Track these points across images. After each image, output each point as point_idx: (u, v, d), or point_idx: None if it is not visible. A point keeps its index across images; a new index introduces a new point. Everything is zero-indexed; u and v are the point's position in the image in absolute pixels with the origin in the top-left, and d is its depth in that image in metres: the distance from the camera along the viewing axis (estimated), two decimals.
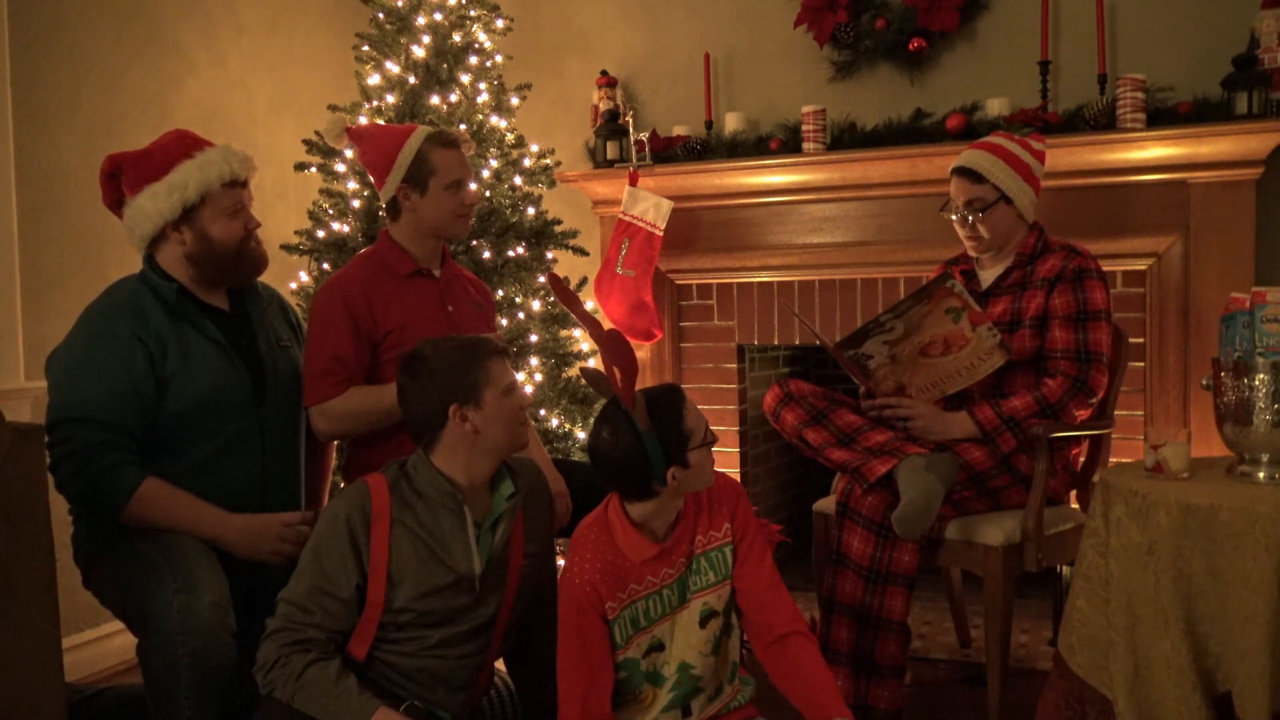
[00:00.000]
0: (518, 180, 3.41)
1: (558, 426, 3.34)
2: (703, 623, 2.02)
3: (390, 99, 3.31)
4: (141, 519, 2.10)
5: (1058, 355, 2.57)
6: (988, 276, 2.73)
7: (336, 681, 1.84)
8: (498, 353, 1.99)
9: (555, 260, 3.45)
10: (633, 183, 3.63)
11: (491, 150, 3.36)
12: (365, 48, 3.39)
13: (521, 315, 3.31)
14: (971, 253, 2.72)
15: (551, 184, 3.52)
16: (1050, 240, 2.69)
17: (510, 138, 3.42)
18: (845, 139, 3.48)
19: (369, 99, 3.34)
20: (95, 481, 2.08)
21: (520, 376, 3.22)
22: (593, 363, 3.63)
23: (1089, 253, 2.64)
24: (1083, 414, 2.57)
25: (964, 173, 2.65)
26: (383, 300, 2.41)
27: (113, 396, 2.11)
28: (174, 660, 1.91)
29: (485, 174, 3.32)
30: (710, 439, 1.96)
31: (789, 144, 3.55)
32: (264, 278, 2.52)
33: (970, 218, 2.63)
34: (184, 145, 2.27)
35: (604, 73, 3.91)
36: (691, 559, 2.02)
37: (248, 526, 2.16)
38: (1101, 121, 3.13)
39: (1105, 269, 2.67)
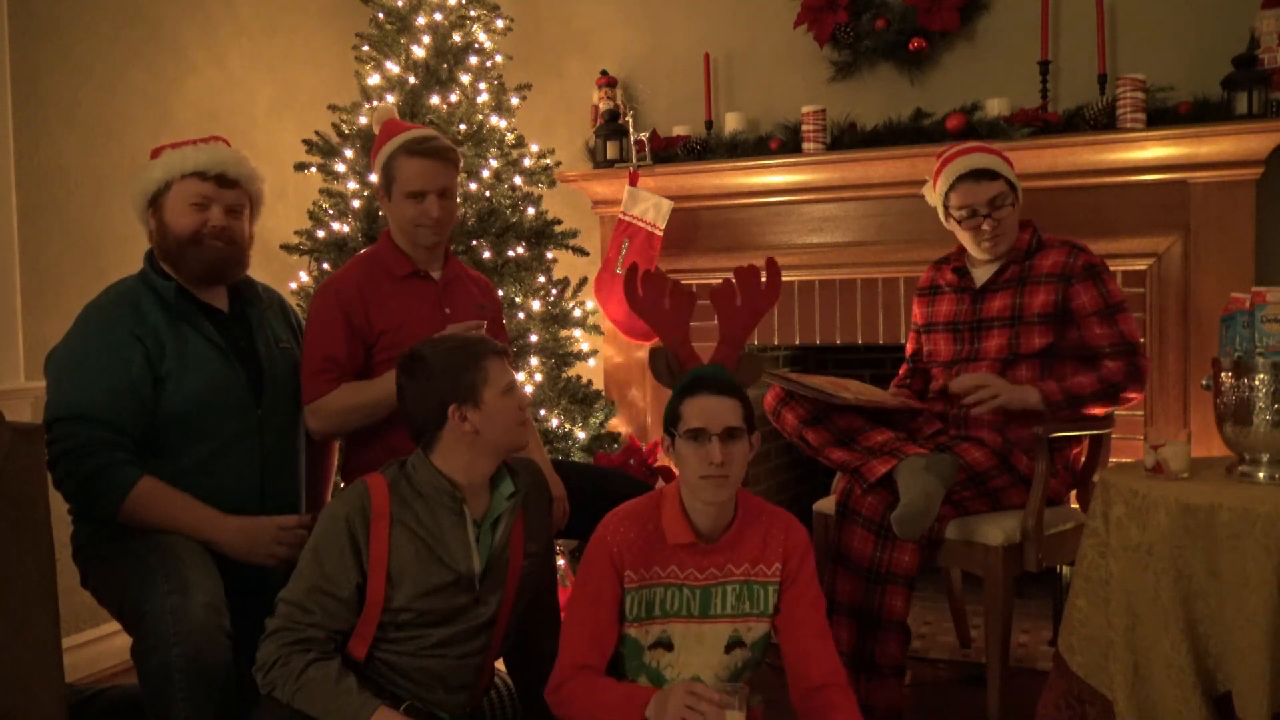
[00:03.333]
0: (518, 180, 3.41)
1: (558, 426, 3.34)
2: (728, 649, 2.02)
3: (390, 99, 3.30)
4: (137, 518, 2.10)
5: (1106, 350, 2.58)
6: (981, 274, 2.73)
7: (336, 681, 1.84)
8: (496, 353, 1.99)
9: (555, 260, 3.45)
10: (633, 183, 3.63)
11: (491, 150, 3.35)
12: (365, 48, 3.38)
13: (521, 315, 3.31)
14: (986, 255, 2.70)
15: (551, 184, 3.52)
16: (1044, 237, 2.70)
17: (510, 138, 3.42)
18: (845, 139, 3.48)
19: (369, 99, 3.33)
20: (91, 479, 2.08)
21: (520, 376, 3.22)
22: (592, 363, 3.63)
23: (1088, 247, 2.65)
24: (1136, 398, 2.59)
25: (979, 175, 2.64)
26: (378, 300, 2.41)
27: (110, 394, 2.11)
28: (167, 662, 1.90)
29: (485, 174, 3.32)
30: (703, 439, 1.93)
31: (789, 144, 3.54)
32: (263, 278, 2.53)
33: (997, 215, 2.63)
34: (198, 139, 2.33)
35: (604, 73, 3.91)
36: (727, 577, 2.01)
37: (244, 528, 2.15)
38: (1101, 121, 3.13)
39: None
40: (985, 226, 2.64)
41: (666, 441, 2.02)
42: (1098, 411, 2.59)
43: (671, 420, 1.99)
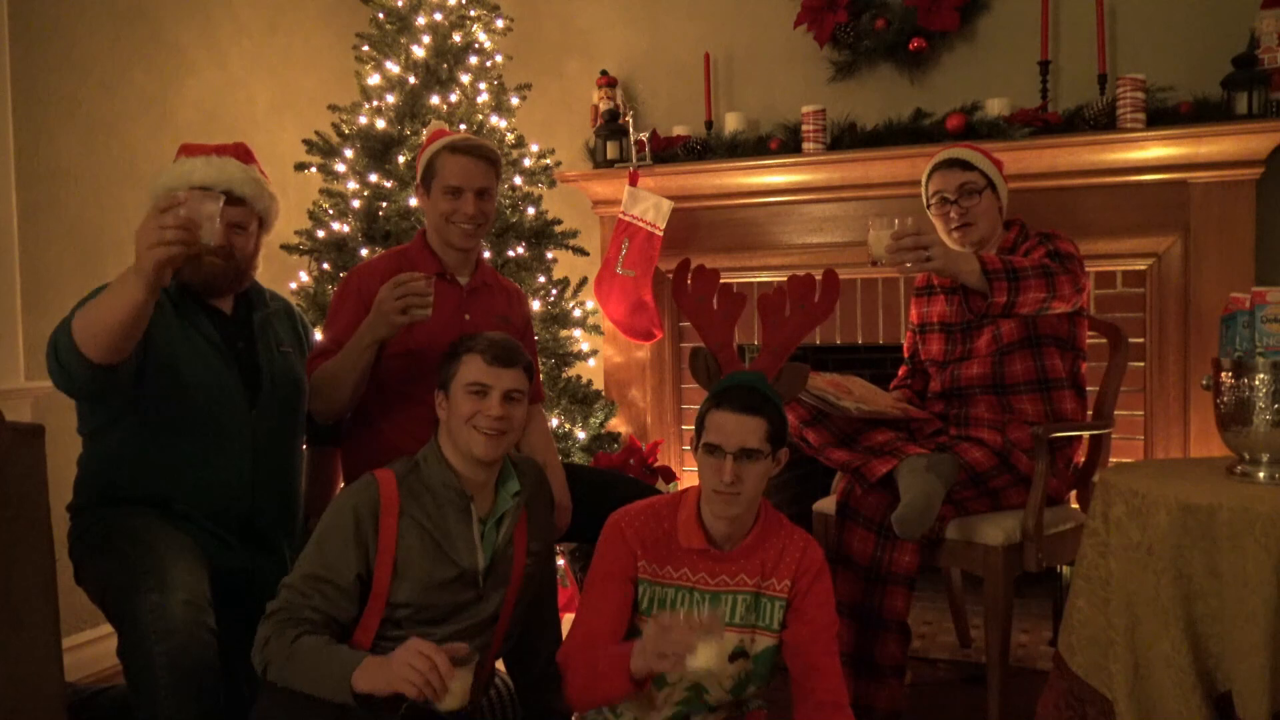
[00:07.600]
0: (518, 180, 3.42)
1: (558, 426, 3.34)
2: (732, 658, 2.01)
3: (390, 99, 3.31)
4: (88, 335, 1.92)
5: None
6: None
7: (326, 645, 1.84)
8: (483, 354, 2.00)
9: (555, 260, 3.45)
10: (633, 183, 3.63)
11: None
12: (365, 48, 3.39)
13: None
14: (957, 245, 2.71)
15: (551, 184, 3.52)
16: (1030, 233, 2.71)
17: (510, 138, 3.43)
18: (845, 139, 3.48)
19: (369, 99, 3.34)
20: (53, 345, 1.98)
21: None
22: (592, 363, 3.63)
23: (1062, 234, 2.64)
24: (1068, 303, 2.49)
25: (951, 164, 2.69)
26: None
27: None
28: (150, 660, 1.89)
29: None
30: (718, 455, 1.93)
31: (789, 144, 3.54)
32: (263, 277, 2.53)
33: (964, 203, 2.64)
34: (214, 148, 2.32)
35: (604, 73, 3.91)
36: (739, 586, 2.01)
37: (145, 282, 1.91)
38: (1101, 121, 3.13)
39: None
40: (953, 214, 2.66)
41: (695, 444, 2.02)
42: (1033, 302, 2.42)
43: (698, 426, 1.99)
